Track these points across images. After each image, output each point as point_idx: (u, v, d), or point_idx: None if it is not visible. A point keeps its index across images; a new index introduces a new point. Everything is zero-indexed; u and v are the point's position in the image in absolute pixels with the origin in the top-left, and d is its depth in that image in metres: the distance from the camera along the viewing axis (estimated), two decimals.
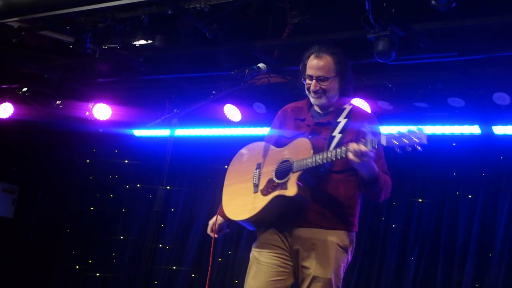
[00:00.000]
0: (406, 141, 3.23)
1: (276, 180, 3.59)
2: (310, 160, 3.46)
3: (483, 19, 4.73)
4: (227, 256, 7.53)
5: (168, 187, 7.95)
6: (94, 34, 5.68)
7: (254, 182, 3.70)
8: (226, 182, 3.95)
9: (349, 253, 3.67)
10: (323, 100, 3.67)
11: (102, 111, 7.51)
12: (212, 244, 3.96)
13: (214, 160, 7.67)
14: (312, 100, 3.71)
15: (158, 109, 6.95)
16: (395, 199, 6.64)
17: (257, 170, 3.72)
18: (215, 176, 7.80)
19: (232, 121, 6.93)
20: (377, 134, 3.37)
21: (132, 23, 5.47)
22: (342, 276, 3.65)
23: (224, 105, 6.82)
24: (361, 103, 5.99)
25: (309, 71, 3.66)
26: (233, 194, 3.86)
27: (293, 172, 3.51)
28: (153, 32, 5.60)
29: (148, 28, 5.48)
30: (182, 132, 7.50)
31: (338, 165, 3.51)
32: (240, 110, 6.82)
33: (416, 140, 3.21)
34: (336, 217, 3.60)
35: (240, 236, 7.46)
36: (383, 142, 3.28)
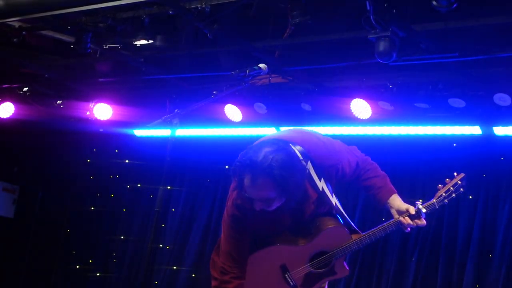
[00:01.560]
0: (454, 195, 3.53)
1: (318, 270, 3.58)
2: (355, 244, 3.53)
3: (484, 20, 4.72)
4: None
5: (168, 187, 7.94)
6: (95, 34, 5.68)
7: (291, 283, 3.58)
8: None
9: None
10: (273, 207, 3.35)
11: (102, 111, 7.50)
12: None
13: (215, 160, 7.67)
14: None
15: (158, 109, 6.95)
16: None
17: (288, 273, 3.60)
18: (216, 176, 7.82)
19: (233, 121, 6.92)
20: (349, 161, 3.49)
21: (133, 23, 5.47)
22: None
23: (224, 105, 6.82)
24: (361, 103, 6.00)
25: (249, 194, 3.28)
26: None
27: (337, 259, 3.56)
28: (154, 32, 5.59)
29: (149, 28, 5.48)
30: (183, 132, 7.49)
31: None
32: (240, 110, 6.81)
33: (461, 190, 3.51)
34: None
35: None
36: (437, 207, 3.60)
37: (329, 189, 3.47)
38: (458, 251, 6.26)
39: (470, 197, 6.36)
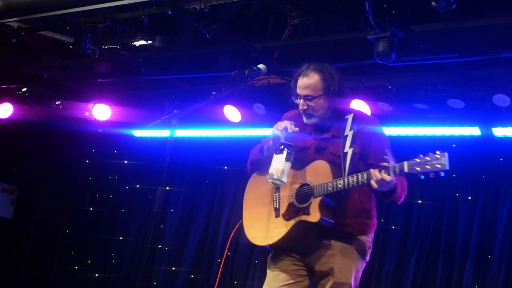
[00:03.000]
0: (428, 167, 3.22)
1: (298, 205, 3.59)
2: (331, 185, 3.47)
3: (483, 21, 4.72)
4: (226, 257, 7.52)
5: (167, 188, 7.94)
6: (94, 35, 5.68)
7: (275, 206, 3.68)
8: (245, 206, 3.90)
9: (368, 253, 3.74)
10: (314, 120, 3.66)
11: (101, 112, 7.50)
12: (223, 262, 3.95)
13: (214, 161, 7.67)
14: (304, 119, 3.68)
15: (157, 110, 6.94)
16: None
17: (277, 193, 3.70)
18: (215, 176, 7.82)
19: (232, 122, 6.92)
20: (380, 141, 3.51)
21: (132, 23, 5.47)
22: (359, 280, 3.69)
23: (224, 106, 6.82)
24: (361, 105, 5.99)
25: (297, 90, 3.65)
26: (254, 219, 3.81)
27: (314, 197, 3.52)
28: (153, 32, 5.59)
29: (148, 29, 5.47)
30: (182, 132, 7.49)
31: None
32: (240, 111, 6.81)
33: (438, 166, 3.19)
34: (353, 225, 3.63)
35: (240, 236, 7.44)
36: (406, 169, 3.30)
37: (351, 141, 3.56)
38: (458, 252, 6.26)
39: (470, 198, 6.36)
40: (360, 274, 3.68)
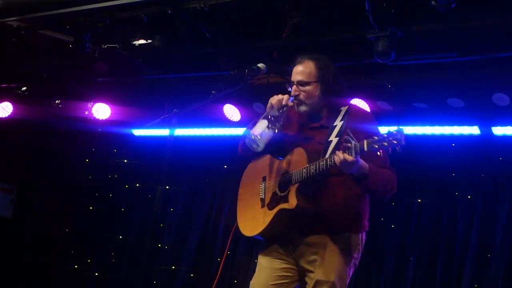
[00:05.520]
0: (385, 143, 3.24)
1: (279, 193, 3.61)
2: (305, 170, 3.48)
3: (483, 20, 4.72)
4: (226, 256, 7.52)
5: (167, 187, 7.93)
6: (93, 34, 5.67)
7: (261, 196, 3.71)
8: (238, 197, 3.95)
9: (356, 254, 3.67)
10: (304, 108, 3.67)
11: (101, 111, 7.50)
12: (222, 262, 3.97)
13: (213, 160, 7.67)
14: (295, 108, 3.70)
15: (157, 109, 6.93)
16: (394, 199, 6.63)
17: (263, 183, 3.73)
18: (214, 176, 7.82)
19: (232, 121, 6.92)
20: (370, 135, 3.37)
21: (132, 23, 5.47)
22: (348, 278, 3.64)
23: (223, 105, 6.82)
24: (360, 104, 5.99)
25: (292, 77, 3.69)
26: (244, 209, 3.87)
27: (292, 184, 3.53)
28: (152, 32, 5.59)
29: (147, 28, 5.47)
30: (181, 132, 7.49)
31: (335, 168, 3.49)
32: (239, 110, 6.81)
33: (394, 142, 3.22)
34: (338, 221, 3.60)
35: (240, 235, 7.44)
36: (365, 148, 3.28)
37: (338, 131, 3.54)
38: (457, 251, 6.27)
39: (469, 197, 6.37)
40: (348, 272, 3.63)
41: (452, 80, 5.70)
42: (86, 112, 7.54)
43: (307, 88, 3.62)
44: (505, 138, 6.02)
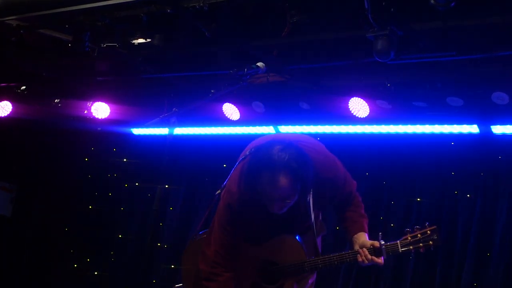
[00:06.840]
0: (421, 245, 3.25)
1: (265, 285, 3.46)
2: (308, 264, 3.36)
3: (482, 19, 4.72)
4: None
5: (166, 186, 7.94)
6: (93, 33, 5.67)
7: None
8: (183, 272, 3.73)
9: None
10: (287, 208, 3.30)
11: (100, 110, 7.50)
12: None
13: (213, 159, 7.67)
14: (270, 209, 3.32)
15: (157, 108, 6.94)
16: (394, 198, 6.64)
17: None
18: (214, 174, 7.81)
19: (231, 120, 6.92)
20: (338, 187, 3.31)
21: (131, 21, 5.47)
22: None
23: (222, 104, 6.82)
24: (359, 102, 5.99)
25: (270, 193, 3.20)
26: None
27: (285, 278, 3.39)
28: (152, 31, 5.59)
29: (147, 27, 5.47)
30: (181, 131, 7.50)
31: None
32: (238, 109, 6.81)
33: (430, 243, 3.24)
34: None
35: None
36: (400, 250, 3.26)
37: (313, 203, 3.34)
38: (457, 250, 6.26)
39: (468, 195, 6.37)
40: None
41: (452, 79, 5.70)
42: (86, 111, 7.54)
43: (292, 199, 3.24)
44: (504, 137, 6.02)
